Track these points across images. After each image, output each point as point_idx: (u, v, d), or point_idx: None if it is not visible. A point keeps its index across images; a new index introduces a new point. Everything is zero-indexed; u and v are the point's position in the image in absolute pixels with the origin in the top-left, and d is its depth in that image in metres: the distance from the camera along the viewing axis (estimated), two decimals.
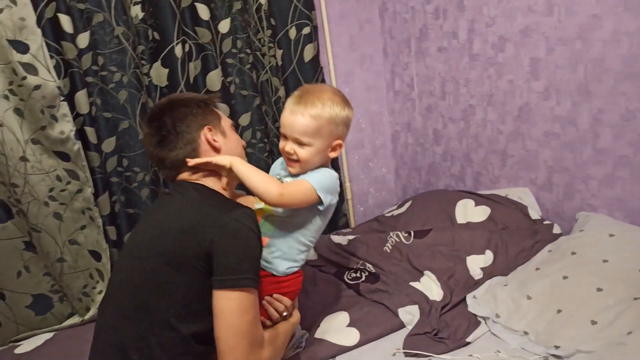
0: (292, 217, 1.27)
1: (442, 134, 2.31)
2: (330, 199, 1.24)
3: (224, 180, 1.24)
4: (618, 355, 1.20)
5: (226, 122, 1.29)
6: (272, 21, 2.15)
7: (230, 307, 1.05)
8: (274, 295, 1.27)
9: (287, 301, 1.28)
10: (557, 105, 1.78)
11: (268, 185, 1.19)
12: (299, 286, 1.33)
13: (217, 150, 1.23)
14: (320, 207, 1.24)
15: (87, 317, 1.80)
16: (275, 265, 1.28)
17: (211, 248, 1.06)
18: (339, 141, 1.27)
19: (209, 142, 1.22)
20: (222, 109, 2.09)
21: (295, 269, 1.31)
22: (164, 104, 1.25)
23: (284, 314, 1.28)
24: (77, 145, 1.73)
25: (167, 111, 1.21)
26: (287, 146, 1.24)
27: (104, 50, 1.84)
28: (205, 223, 1.09)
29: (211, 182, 1.23)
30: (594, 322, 1.32)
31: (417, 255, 1.79)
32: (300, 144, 1.23)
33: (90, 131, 1.81)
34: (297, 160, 1.24)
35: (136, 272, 1.12)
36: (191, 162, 1.20)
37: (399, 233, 1.91)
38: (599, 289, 1.38)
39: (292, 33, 2.16)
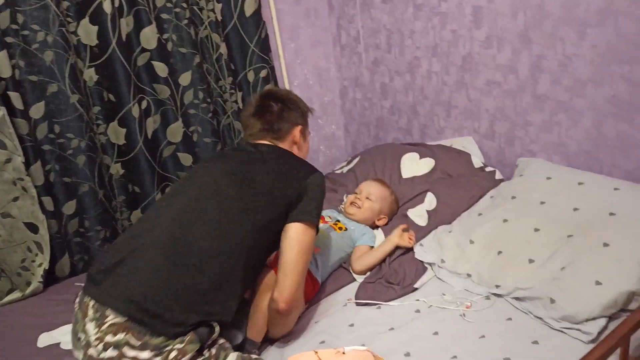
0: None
1: (389, 88, 2.30)
2: None
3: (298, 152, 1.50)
4: (553, 289, 1.26)
5: (307, 131, 1.54)
6: None
7: (305, 239, 1.30)
8: None
9: None
10: (499, 54, 1.79)
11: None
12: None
13: (297, 145, 1.48)
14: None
15: (28, 291, 1.73)
16: (321, 273, 1.55)
17: (304, 192, 1.31)
18: (385, 216, 1.80)
19: (294, 137, 1.47)
20: (160, 69, 2.01)
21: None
22: (282, 91, 1.54)
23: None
24: (1, 112, 1.62)
25: (281, 97, 1.48)
26: (357, 199, 1.78)
27: (23, 7, 1.69)
28: (302, 174, 1.35)
29: (288, 149, 1.47)
30: (531, 261, 1.38)
31: None
32: (369, 199, 1.77)
33: (14, 96, 1.68)
34: (359, 207, 1.76)
35: (235, 202, 1.28)
36: None
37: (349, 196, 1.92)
38: (536, 230, 1.44)
39: None
